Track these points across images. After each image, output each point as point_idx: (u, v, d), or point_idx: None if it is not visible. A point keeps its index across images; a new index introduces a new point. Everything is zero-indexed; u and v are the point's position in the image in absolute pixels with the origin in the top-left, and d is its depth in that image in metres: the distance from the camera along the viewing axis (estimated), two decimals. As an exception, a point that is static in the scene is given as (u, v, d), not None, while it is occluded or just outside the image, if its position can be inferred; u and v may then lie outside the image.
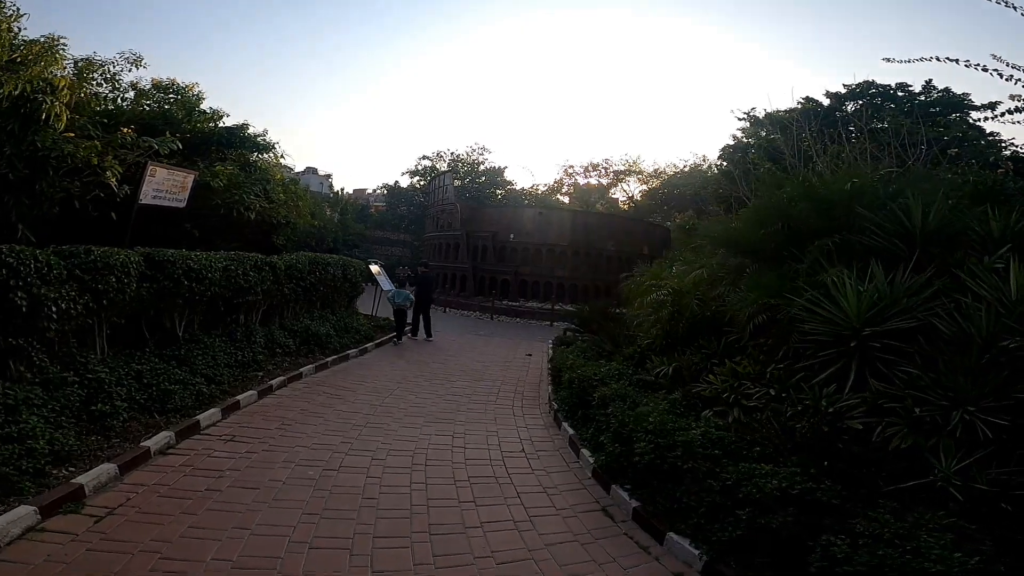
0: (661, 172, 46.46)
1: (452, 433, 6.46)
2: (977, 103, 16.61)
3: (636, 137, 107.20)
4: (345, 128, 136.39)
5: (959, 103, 16.96)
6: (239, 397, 6.72)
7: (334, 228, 34.15)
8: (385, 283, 15.06)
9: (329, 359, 9.54)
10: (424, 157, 46.39)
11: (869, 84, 18.63)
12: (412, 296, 13.63)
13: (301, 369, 8.58)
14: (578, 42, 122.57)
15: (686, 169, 44.97)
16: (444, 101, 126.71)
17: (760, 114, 21.54)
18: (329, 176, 61.01)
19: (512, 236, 24.04)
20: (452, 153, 44.95)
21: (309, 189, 36.72)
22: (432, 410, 7.39)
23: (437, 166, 43.84)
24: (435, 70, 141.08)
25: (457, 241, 25.17)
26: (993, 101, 16.02)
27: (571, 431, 6.59)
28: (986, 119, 16.26)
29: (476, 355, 12.02)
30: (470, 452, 5.86)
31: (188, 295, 6.94)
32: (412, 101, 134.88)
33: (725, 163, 20.11)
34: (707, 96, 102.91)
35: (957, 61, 7.78)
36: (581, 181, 48.66)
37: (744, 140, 26.08)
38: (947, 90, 17.00)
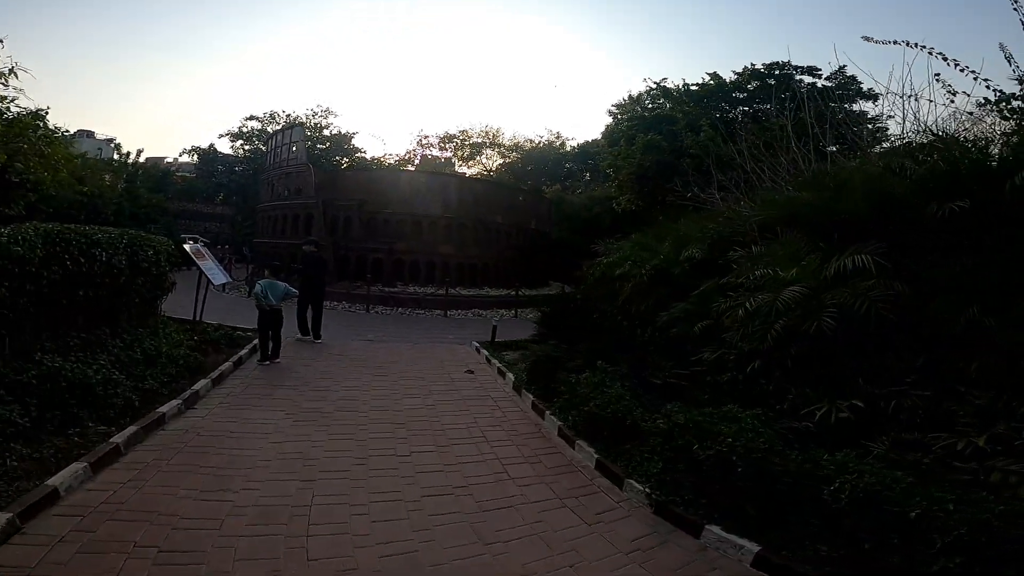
0: (519, 146, 45.08)
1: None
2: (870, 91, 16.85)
3: (494, 114, 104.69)
4: (143, 92, 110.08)
5: (854, 90, 17.04)
6: None
7: (115, 198, 24.90)
8: (215, 273, 9.56)
9: (119, 438, 4.45)
10: (251, 118, 37.68)
11: (781, 64, 18.09)
12: (289, 290, 8.57)
13: (52, 479, 3.57)
14: (439, 21, 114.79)
15: (542, 144, 44.44)
16: (282, 67, 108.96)
17: (670, 86, 20.45)
18: (112, 140, 45.98)
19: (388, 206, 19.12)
20: (289, 115, 36.86)
21: (71, 147, 26.82)
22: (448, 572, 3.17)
23: (269, 129, 35.56)
24: (273, 34, 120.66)
25: (309, 212, 19.30)
26: (877, 93, 16.38)
27: (750, 545, 3.12)
28: (875, 103, 16.50)
29: (395, 379, 7.63)
30: None
31: None
32: (240, 67, 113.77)
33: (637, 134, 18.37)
34: (563, 80, 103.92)
35: (924, 47, 6.75)
36: (437, 153, 45.10)
37: (620, 117, 25.34)
38: (852, 78, 17.00)
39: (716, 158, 11.04)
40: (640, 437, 4.68)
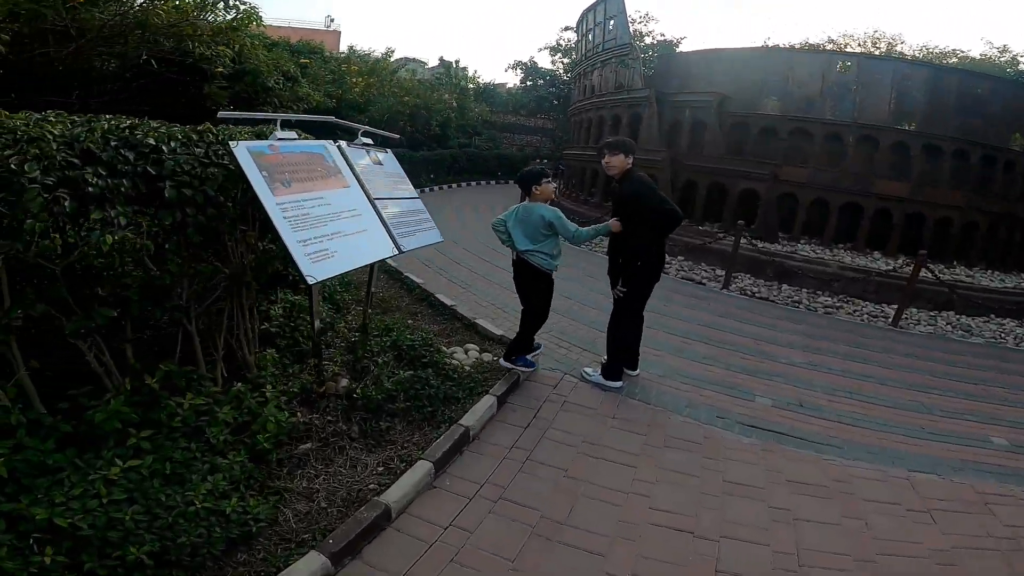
0: (935, 59, 27.73)
1: None
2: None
3: (884, 14, 74.30)
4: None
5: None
6: None
7: (442, 110, 23.49)
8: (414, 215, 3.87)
9: None
10: (567, 28, 33.14)
11: None
12: (563, 223, 3.66)
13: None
14: None
15: (979, 59, 26.45)
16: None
17: None
18: (457, 62, 46.58)
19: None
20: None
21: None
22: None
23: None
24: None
25: (635, 110, 12.63)
26: None
27: None
28: None
29: None
30: None
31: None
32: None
33: None
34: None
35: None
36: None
37: None
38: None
39: None
40: None
